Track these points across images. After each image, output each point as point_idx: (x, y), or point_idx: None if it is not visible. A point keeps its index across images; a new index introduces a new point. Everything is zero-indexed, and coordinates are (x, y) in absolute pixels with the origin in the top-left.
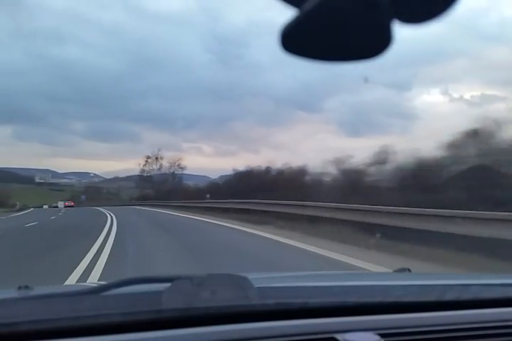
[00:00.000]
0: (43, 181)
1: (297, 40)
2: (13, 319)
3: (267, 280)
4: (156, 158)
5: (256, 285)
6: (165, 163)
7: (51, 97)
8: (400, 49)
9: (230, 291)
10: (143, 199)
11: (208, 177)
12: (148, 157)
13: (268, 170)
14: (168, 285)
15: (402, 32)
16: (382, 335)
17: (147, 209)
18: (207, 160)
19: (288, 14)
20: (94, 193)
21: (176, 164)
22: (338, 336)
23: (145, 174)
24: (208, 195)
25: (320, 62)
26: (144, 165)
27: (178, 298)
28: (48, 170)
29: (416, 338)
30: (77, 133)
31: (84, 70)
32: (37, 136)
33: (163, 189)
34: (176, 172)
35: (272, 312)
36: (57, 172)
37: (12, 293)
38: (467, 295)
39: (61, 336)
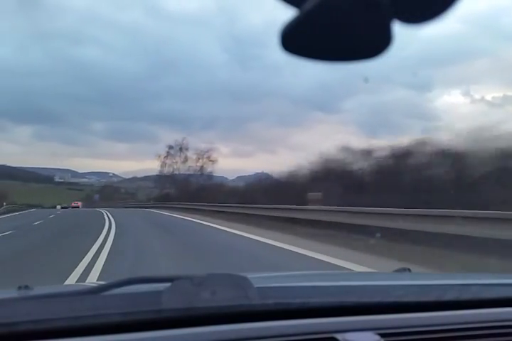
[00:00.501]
0: (62, 181)
1: (297, 40)
2: (13, 319)
3: (267, 280)
4: (180, 149)
5: (256, 285)
6: (191, 154)
7: (71, 98)
8: (421, 49)
9: (230, 291)
10: (163, 200)
11: (226, 178)
12: (171, 147)
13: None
14: (168, 285)
15: (424, 32)
16: (382, 335)
17: (169, 214)
18: (224, 161)
19: (288, 14)
20: (111, 193)
21: (206, 156)
22: (338, 336)
23: (166, 169)
24: None
25: (320, 62)
26: (165, 157)
27: (178, 297)
28: (68, 169)
29: (416, 338)
30: (96, 133)
31: (103, 71)
32: (57, 136)
33: (188, 188)
34: (204, 166)
35: (271, 312)
36: (78, 172)
37: (12, 293)
38: (467, 295)
39: (61, 336)
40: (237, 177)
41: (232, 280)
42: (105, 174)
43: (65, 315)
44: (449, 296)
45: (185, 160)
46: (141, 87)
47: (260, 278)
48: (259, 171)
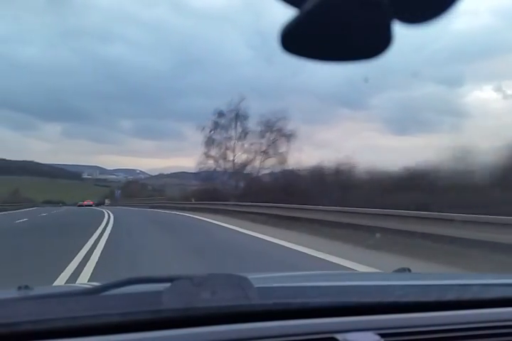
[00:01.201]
0: (90, 177)
1: (297, 40)
2: (13, 319)
3: (267, 280)
4: (236, 117)
5: (256, 285)
6: (253, 126)
7: (98, 96)
8: (452, 43)
9: (230, 291)
10: (209, 199)
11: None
12: (221, 114)
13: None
14: (168, 285)
15: (455, 25)
16: (382, 335)
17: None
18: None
19: (288, 14)
20: (138, 189)
21: (276, 129)
22: (338, 336)
23: (213, 150)
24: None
25: (320, 62)
26: (213, 130)
27: (178, 298)
28: (96, 166)
29: (416, 338)
30: (123, 131)
31: (130, 69)
32: (85, 133)
33: (259, 183)
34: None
35: (271, 312)
36: (106, 169)
37: (12, 293)
38: (467, 295)
39: (61, 336)
40: (263, 174)
41: (232, 280)
42: (132, 171)
43: (65, 315)
44: (449, 296)
45: (244, 134)
46: (167, 84)
47: (260, 279)
48: (286, 168)
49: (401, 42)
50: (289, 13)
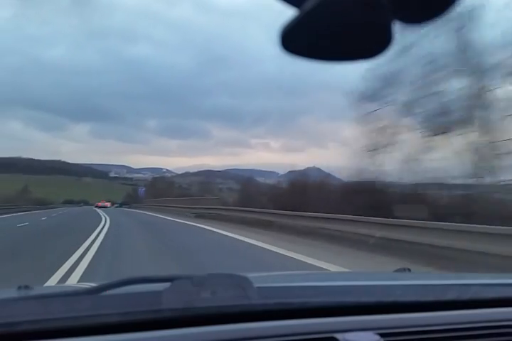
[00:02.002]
0: (117, 176)
1: (297, 40)
2: (13, 319)
3: (267, 280)
4: None
5: (256, 285)
6: None
7: (125, 96)
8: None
9: (230, 291)
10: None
11: (277, 172)
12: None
13: None
14: (167, 285)
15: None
16: (382, 335)
17: None
18: (275, 156)
19: (288, 14)
20: (165, 187)
21: None
22: (338, 336)
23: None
24: None
25: (320, 62)
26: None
27: (178, 297)
28: (123, 165)
29: (416, 338)
30: (150, 130)
31: (155, 68)
32: (113, 133)
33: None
34: None
35: (272, 311)
36: (133, 168)
37: (12, 293)
38: (467, 295)
39: (60, 336)
40: (289, 171)
41: (232, 280)
42: (159, 169)
43: (65, 315)
44: (449, 296)
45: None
46: (192, 83)
47: (260, 278)
48: (311, 166)
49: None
50: (289, 13)
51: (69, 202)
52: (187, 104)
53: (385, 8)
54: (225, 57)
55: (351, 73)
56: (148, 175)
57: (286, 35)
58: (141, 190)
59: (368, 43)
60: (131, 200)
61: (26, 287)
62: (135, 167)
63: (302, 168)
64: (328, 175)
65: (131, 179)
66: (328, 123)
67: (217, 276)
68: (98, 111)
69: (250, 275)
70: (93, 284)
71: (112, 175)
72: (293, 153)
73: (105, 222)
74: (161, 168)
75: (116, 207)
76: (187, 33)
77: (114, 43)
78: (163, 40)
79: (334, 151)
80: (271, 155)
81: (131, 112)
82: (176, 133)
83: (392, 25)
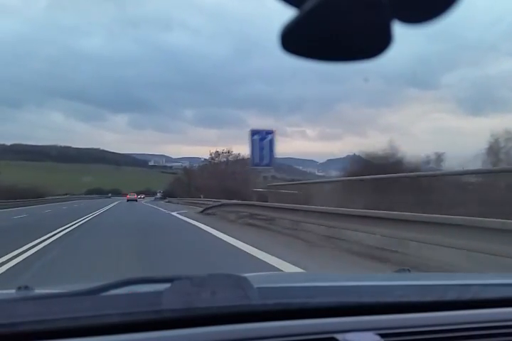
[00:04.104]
0: (156, 164)
1: (297, 40)
2: (13, 319)
3: (267, 280)
4: None
5: (256, 286)
6: None
7: (162, 85)
8: None
9: (230, 291)
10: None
11: (315, 161)
12: None
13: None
14: (168, 285)
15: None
16: (382, 335)
17: None
18: (312, 145)
19: (288, 14)
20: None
21: None
22: (338, 336)
23: None
24: None
25: (320, 62)
26: None
27: (178, 298)
28: (162, 155)
29: (416, 338)
30: (187, 120)
31: (191, 58)
32: (151, 123)
33: None
34: None
35: (272, 312)
36: (171, 158)
37: (11, 294)
38: (467, 295)
39: (60, 336)
40: (328, 160)
41: (232, 280)
42: (197, 159)
43: (65, 316)
44: (449, 296)
45: None
46: (228, 71)
47: (260, 279)
48: (351, 154)
49: (474, 13)
50: (289, 13)
51: (95, 193)
52: (222, 93)
53: (385, 8)
54: (260, 43)
55: (390, 56)
56: (186, 164)
57: (286, 35)
58: (160, 191)
59: (368, 43)
60: (171, 193)
61: (26, 287)
62: (174, 157)
63: (342, 156)
64: (369, 162)
65: (170, 168)
66: (366, 109)
67: (217, 277)
68: (136, 101)
69: (250, 275)
70: (93, 284)
71: (151, 163)
72: (330, 142)
73: None
74: (199, 158)
75: (156, 198)
76: (222, 19)
77: (150, 31)
78: (197, 27)
79: (374, 139)
80: (307, 144)
81: (168, 102)
82: (212, 122)
83: (392, 25)
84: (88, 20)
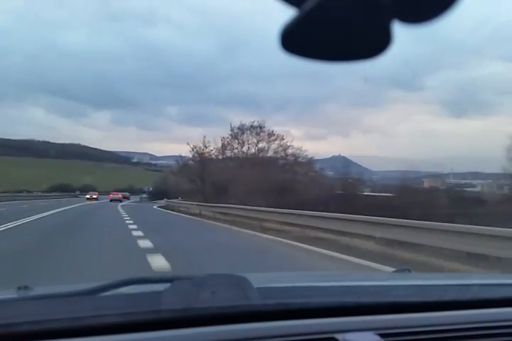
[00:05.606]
0: (139, 161)
1: (297, 40)
2: (13, 319)
3: (267, 280)
4: None
5: (256, 286)
6: None
7: (145, 82)
8: None
9: (229, 291)
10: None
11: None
12: None
13: None
14: (167, 285)
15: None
16: (382, 335)
17: None
18: (296, 144)
19: (288, 14)
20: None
21: None
22: (338, 336)
23: None
24: None
25: (320, 62)
26: None
27: (178, 298)
28: (146, 153)
29: (416, 338)
30: (171, 118)
31: (175, 54)
32: (134, 120)
33: None
34: None
35: (272, 312)
36: (155, 156)
37: (11, 294)
38: (467, 295)
39: (60, 336)
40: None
41: (231, 280)
42: (183, 157)
43: (65, 316)
44: (449, 296)
45: None
46: (213, 69)
47: (260, 279)
48: (336, 154)
49: (459, 15)
50: (289, 13)
51: (62, 190)
52: (206, 90)
53: (385, 7)
54: (246, 41)
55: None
56: (172, 162)
57: (286, 35)
58: (148, 189)
59: (368, 43)
60: (160, 192)
61: (26, 287)
62: (158, 155)
63: (327, 157)
64: (354, 163)
65: (155, 165)
66: (351, 110)
67: (217, 277)
68: (119, 98)
69: (250, 275)
70: (93, 284)
71: (134, 160)
72: (315, 142)
73: None
74: (185, 156)
75: (143, 198)
76: (207, 16)
77: (133, 26)
78: (182, 23)
79: (357, 140)
80: (293, 144)
81: (151, 99)
82: (196, 120)
83: (392, 25)
84: (70, 14)
